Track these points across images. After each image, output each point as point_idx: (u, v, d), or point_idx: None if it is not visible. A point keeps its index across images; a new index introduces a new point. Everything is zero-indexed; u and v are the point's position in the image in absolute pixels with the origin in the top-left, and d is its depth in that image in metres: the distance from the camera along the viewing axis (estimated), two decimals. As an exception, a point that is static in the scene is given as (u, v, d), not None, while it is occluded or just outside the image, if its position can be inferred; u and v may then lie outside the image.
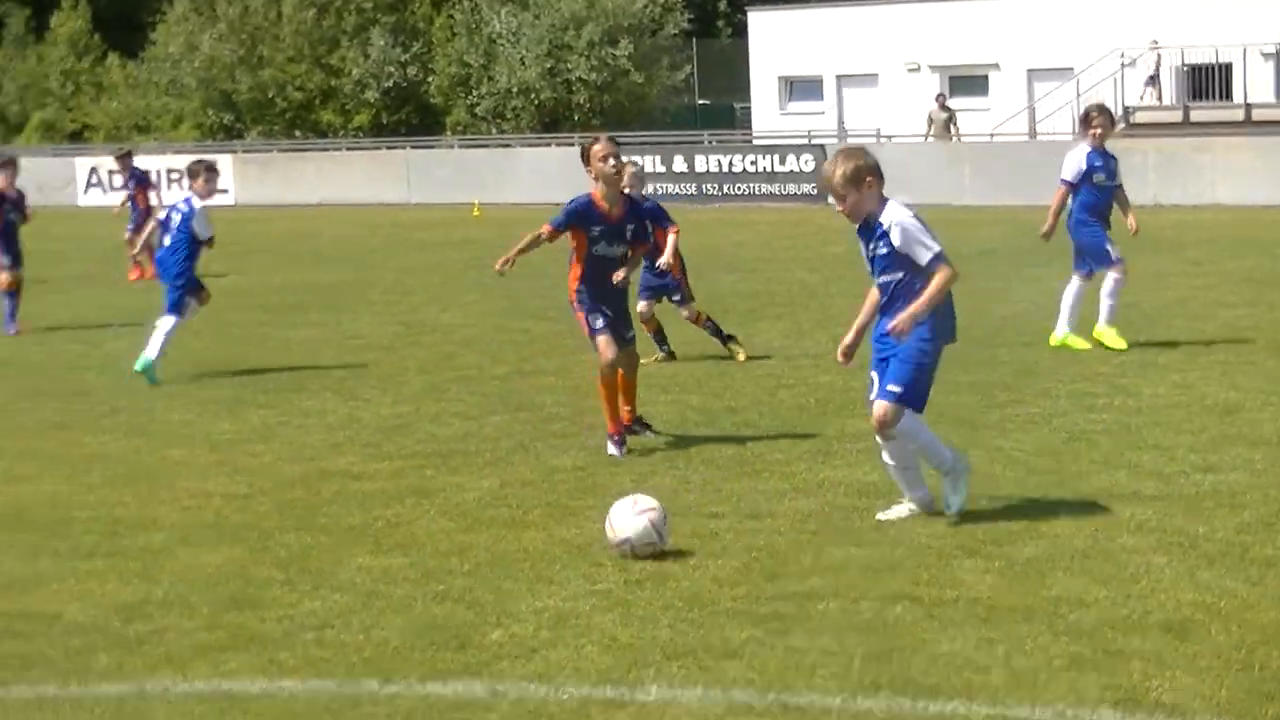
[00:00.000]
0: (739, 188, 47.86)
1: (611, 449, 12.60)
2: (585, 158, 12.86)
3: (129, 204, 30.62)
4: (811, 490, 11.24)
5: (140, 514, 11.16)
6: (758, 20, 64.86)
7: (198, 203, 17.20)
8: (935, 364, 10.25)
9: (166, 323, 16.96)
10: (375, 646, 8.21)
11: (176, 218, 17.17)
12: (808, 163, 46.84)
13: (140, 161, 58.67)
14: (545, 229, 12.73)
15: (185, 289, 17.24)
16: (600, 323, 12.66)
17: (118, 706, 7.52)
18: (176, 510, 11.24)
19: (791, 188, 46.80)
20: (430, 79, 70.05)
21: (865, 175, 10.10)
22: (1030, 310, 20.12)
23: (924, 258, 10.05)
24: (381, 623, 8.59)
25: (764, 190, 47.54)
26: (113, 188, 57.58)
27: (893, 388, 10.06)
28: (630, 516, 9.63)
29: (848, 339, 10.44)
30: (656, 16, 66.94)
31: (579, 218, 12.73)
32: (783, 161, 47.63)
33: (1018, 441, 12.71)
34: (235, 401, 15.57)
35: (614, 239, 12.78)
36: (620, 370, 12.84)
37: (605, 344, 12.66)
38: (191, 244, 17.18)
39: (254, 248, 34.93)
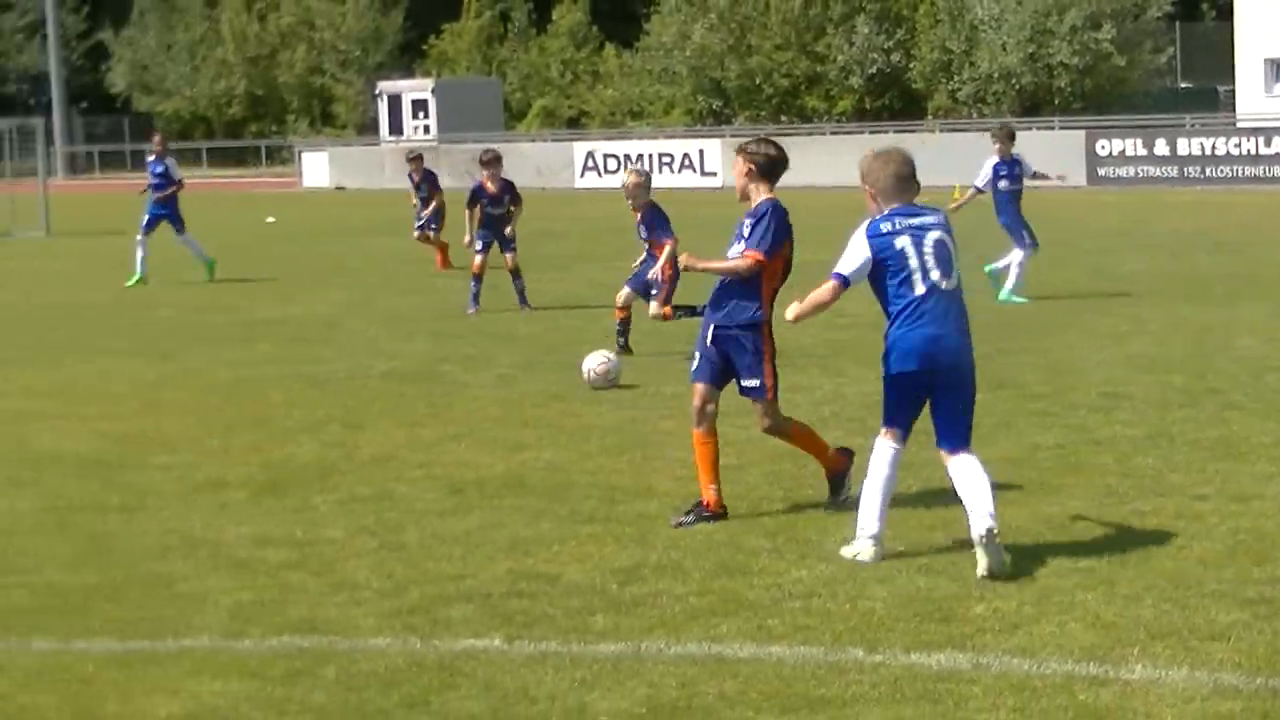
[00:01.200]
0: (1221, 170, 46.89)
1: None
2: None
3: (419, 204, 30.16)
4: (1299, 473, 11.10)
5: (635, 482, 11.59)
6: (1244, 1, 62.95)
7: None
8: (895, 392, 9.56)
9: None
10: (861, 616, 8.38)
11: None
12: None
13: (633, 146, 60.92)
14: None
15: None
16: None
17: (614, 665, 7.81)
18: (669, 479, 11.62)
19: (1277, 170, 45.62)
20: (912, 65, 70.06)
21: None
22: None
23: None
24: (866, 593, 8.76)
25: (1247, 173, 46.50)
26: (607, 171, 59.32)
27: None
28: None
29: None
30: (1140, 0, 65.74)
31: None
32: (1268, 144, 46.55)
33: None
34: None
35: None
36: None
37: None
38: None
39: (742, 230, 35.43)
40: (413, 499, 11.28)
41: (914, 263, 9.46)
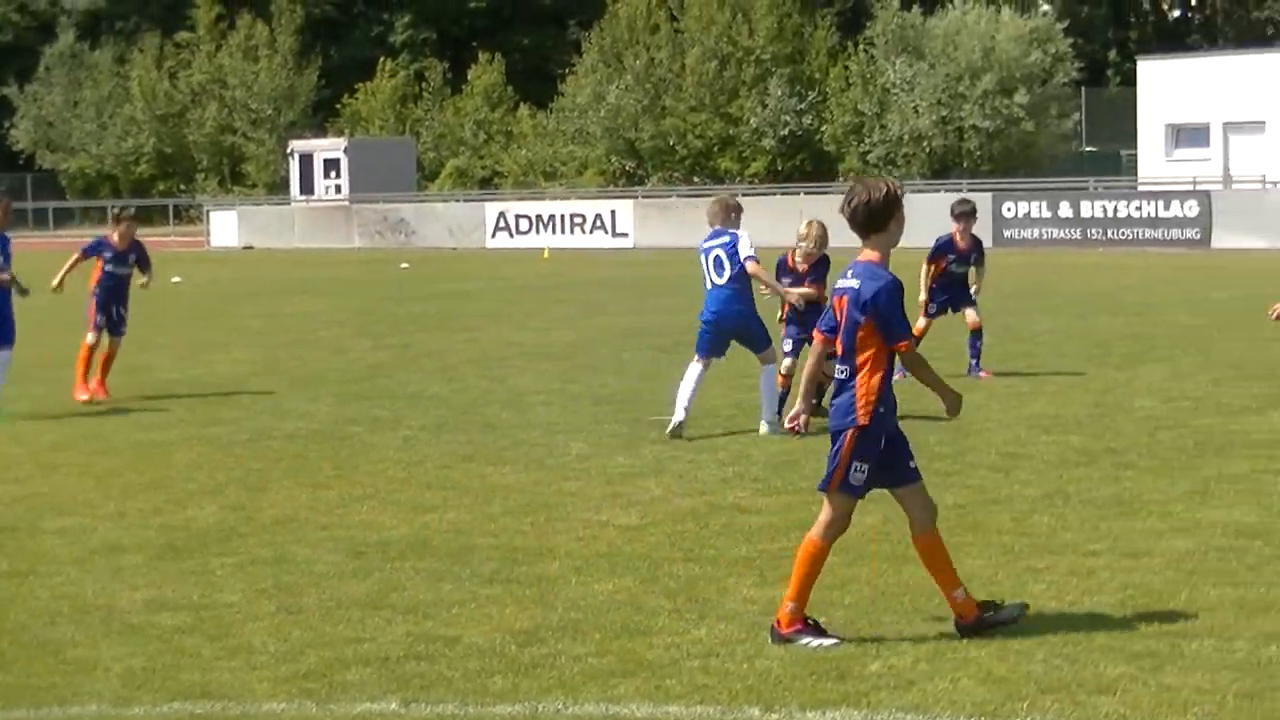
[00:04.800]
0: (1123, 233, 47.98)
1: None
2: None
3: (103, 282, 20.38)
4: (1189, 530, 11.24)
5: (537, 543, 11.59)
6: (1147, 69, 64.91)
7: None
8: None
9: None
10: (758, 675, 8.42)
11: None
12: (1192, 209, 47.06)
13: (546, 207, 61.15)
14: None
15: None
16: None
17: (512, 727, 7.77)
18: (572, 540, 11.64)
19: (1175, 233, 46.87)
20: (824, 127, 70.82)
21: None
22: None
23: None
24: (765, 652, 8.80)
25: (1148, 235, 47.68)
26: (519, 231, 59.42)
27: None
28: None
29: None
30: (1047, 66, 67.03)
31: None
32: (1167, 207, 47.87)
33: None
34: (631, 437, 16.04)
35: None
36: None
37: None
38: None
39: (651, 289, 35.71)
40: (313, 561, 11.22)
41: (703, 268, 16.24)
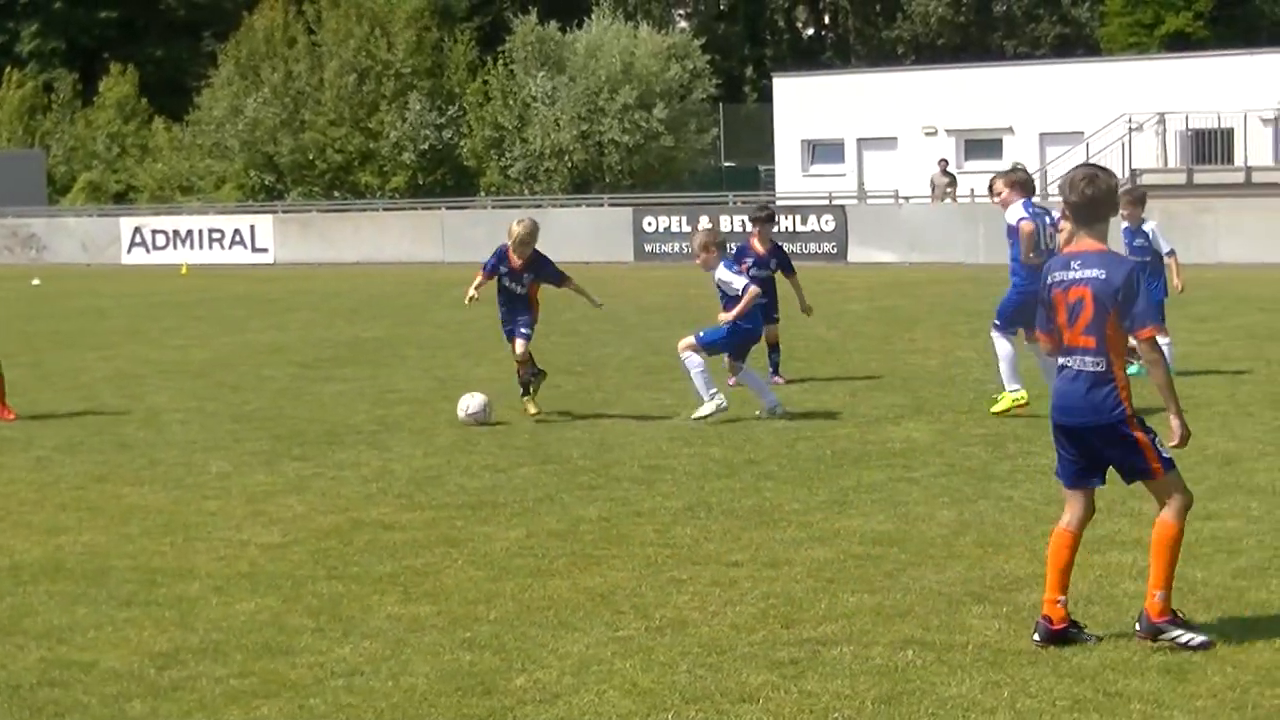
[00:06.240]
0: (762, 246, 48.90)
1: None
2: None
3: None
4: (828, 539, 11.48)
5: (177, 564, 11.37)
6: (782, 86, 66.50)
7: None
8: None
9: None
10: (403, 692, 8.38)
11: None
12: (828, 223, 48.29)
13: (183, 222, 60.13)
14: None
15: None
16: None
17: (150, 752, 7.62)
18: (212, 560, 11.44)
19: (813, 247, 48.01)
20: (464, 142, 70.83)
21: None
22: (1044, 364, 20.53)
23: None
24: (410, 669, 8.77)
25: (786, 249, 48.46)
26: (155, 247, 58.27)
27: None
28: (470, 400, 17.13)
29: None
30: (686, 82, 68.11)
31: None
32: (804, 221, 48.97)
33: (1027, 491, 13.03)
34: (272, 454, 15.83)
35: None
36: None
37: None
38: None
39: (292, 305, 35.32)
40: (-62, 589, 10.84)
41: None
